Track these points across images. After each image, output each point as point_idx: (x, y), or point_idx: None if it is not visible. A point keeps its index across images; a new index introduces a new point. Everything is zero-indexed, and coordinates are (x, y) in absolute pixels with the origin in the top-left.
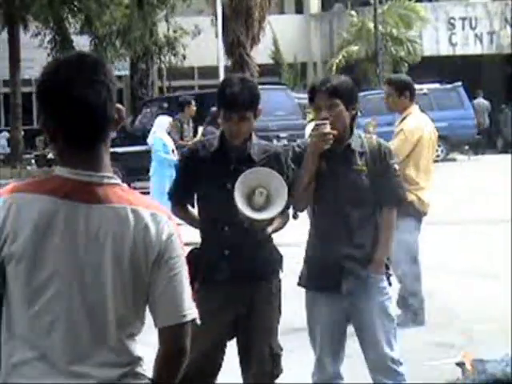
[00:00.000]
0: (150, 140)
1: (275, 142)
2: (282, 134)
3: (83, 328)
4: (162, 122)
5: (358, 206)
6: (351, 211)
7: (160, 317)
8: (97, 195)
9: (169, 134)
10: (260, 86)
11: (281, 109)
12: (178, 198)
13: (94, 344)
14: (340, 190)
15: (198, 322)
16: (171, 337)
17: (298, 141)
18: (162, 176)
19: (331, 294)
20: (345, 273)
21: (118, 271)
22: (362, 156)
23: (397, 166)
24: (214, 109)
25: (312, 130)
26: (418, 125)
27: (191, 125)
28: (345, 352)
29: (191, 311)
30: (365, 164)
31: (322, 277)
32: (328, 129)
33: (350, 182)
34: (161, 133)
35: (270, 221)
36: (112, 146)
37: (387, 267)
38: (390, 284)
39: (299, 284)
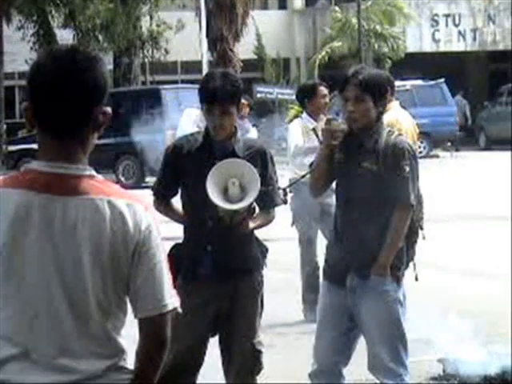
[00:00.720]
0: (178, 133)
1: None
2: None
3: (66, 320)
4: (190, 115)
5: (364, 204)
6: (357, 209)
7: (141, 307)
8: (73, 187)
9: (198, 126)
10: None
11: None
12: (161, 194)
13: (77, 336)
14: (348, 186)
15: (180, 310)
16: (152, 327)
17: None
18: None
19: (338, 288)
20: (349, 268)
21: (97, 262)
22: (374, 154)
23: (407, 168)
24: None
25: (325, 124)
26: (396, 119)
27: None
28: (352, 352)
29: (171, 300)
30: (375, 163)
31: (332, 269)
32: (338, 125)
33: (357, 179)
34: (187, 125)
35: (248, 212)
36: None
37: (398, 269)
38: (399, 286)
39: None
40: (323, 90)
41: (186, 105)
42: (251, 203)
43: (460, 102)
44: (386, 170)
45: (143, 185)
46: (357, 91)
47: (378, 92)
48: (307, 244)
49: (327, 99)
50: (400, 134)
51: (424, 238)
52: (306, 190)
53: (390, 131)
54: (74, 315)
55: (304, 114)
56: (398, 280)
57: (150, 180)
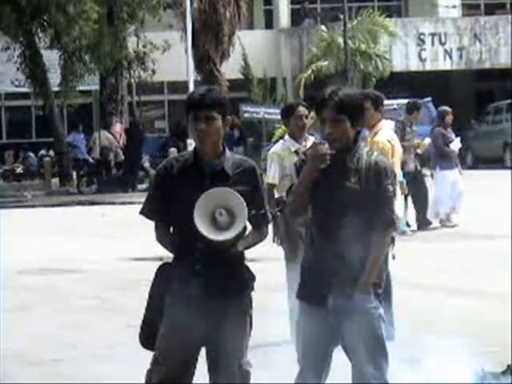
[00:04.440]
0: None
1: None
2: None
3: None
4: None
5: (347, 223)
6: (340, 227)
7: None
8: None
9: None
10: None
11: None
12: (154, 215)
13: None
14: (330, 205)
15: None
16: None
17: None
18: None
19: (319, 308)
20: (331, 288)
21: None
22: (356, 173)
23: (390, 188)
24: (441, 108)
25: (310, 148)
26: (390, 137)
27: (415, 128)
28: (329, 368)
29: None
30: (358, 182)
31: (310, 289)
32: (325, 149)
33: (340, 198)
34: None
35: (237, 239)
36: None
37: (379, 286)
38: (380, 303)
39: (296, 296)
40: (301, 110)
41: None
42: (239, 232)
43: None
44: (368, 189)
45: None
46: (333, 113)
47: (356, 112)
48: (294, 263)
49: (305, 120)
50: (380, 154)
51: (394, 257)
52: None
53: (369, 150)
54: None
55: (287, 136)
56: (378, 297)
57: None
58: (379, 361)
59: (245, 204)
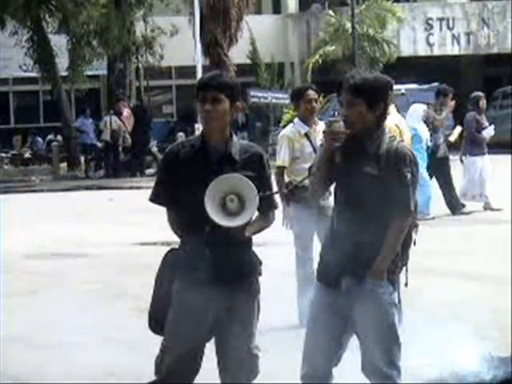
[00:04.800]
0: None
1: None
2: None
3: None
4: (416, 110)
5: (363, 208)
6: (356, 212)
7: None
8: None
9: (424, 122)
10: None
11: None
12: (163, 200)
13: None
14: (348, 190)
15: None
16: None
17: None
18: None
19: (332, 289)
20: (345, 271)
21: None
22: (376, 159)
23: (409, 175)
24: (475, 93)
25: (326, 126)
26: (398, 122)
27: (444, 114)
28: (341, 356)
29: None
30: (376, 168)
31: (326, 271)
32: (340, 127)
33: (357, 183)
34: (414, 121)
35: (246, 225)
36: None
37: (393, 272)
38: (394, 289)
39: (316, 277)
40: (310, 93)
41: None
42: (249, 219)
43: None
44: (387, 175)
45: None
46: (349, 96)
47: (373, 96)
48: (303, 247)
49: (314, 103)
50: (401, 140)
51: (415, 243)
52: (302, 193)
53: (391, 137)
54: None
55: (296, 119)
56: (393, 283)
57: None
58: (389, 346)
59: (256, 192)
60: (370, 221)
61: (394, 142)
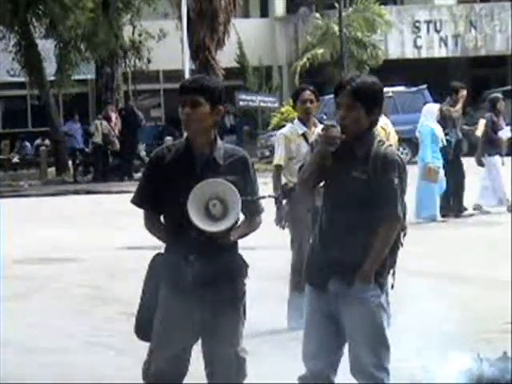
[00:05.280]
0: (418, 129)
1: None
2: None
3: None
4: (431, 110)
5: (351, 211)
6: (344, 216)
7: None
8: None
9: (438, 122)
10: None
11: None
12: (144, 203)
13: None
14: (336, 192)
15: None
16: None
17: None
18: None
19: (321, 292)
20: (332, 274)
21: None
22: (364, 163)
23: (396, 181)
24: (493, 95)
25: (321, 131)
26: (384, 124)
27: (459, 105)
28: (340, 358)
29: None
30: (365, 172)
31: (315, 274)
32: (335, 132)
33: (345, 186)
34: (429, 121)
35: (229, 229)
36: None
37: (381, 275)
38: (382, 292)
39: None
40: (305, 94)
41: None
42: (232, 224)
43: None
44: (375, 180)
45: None
46: (348, 99)
47: (371, 101)
48: (298, 248)
49: (309, 104)
50: (390, 145)
51: (402, 245)
52: (297, 194)
53: (380, 141)
54: None
55: (296, 119)
56: (381, 286)
57: None
58: (377, 349)
59: (239, 196)
60: (357, 225)
61: (381, 146)
